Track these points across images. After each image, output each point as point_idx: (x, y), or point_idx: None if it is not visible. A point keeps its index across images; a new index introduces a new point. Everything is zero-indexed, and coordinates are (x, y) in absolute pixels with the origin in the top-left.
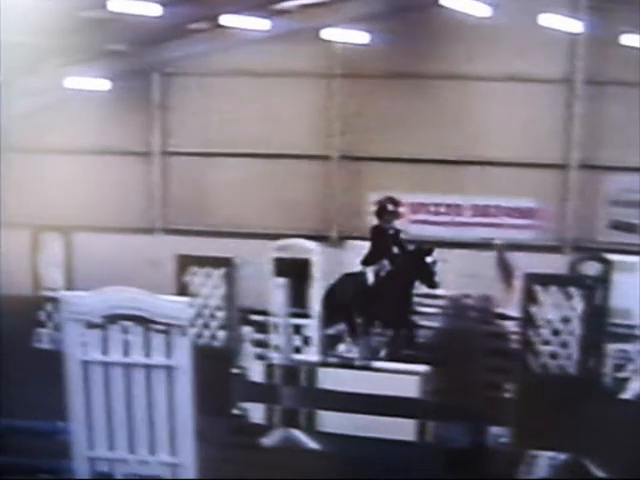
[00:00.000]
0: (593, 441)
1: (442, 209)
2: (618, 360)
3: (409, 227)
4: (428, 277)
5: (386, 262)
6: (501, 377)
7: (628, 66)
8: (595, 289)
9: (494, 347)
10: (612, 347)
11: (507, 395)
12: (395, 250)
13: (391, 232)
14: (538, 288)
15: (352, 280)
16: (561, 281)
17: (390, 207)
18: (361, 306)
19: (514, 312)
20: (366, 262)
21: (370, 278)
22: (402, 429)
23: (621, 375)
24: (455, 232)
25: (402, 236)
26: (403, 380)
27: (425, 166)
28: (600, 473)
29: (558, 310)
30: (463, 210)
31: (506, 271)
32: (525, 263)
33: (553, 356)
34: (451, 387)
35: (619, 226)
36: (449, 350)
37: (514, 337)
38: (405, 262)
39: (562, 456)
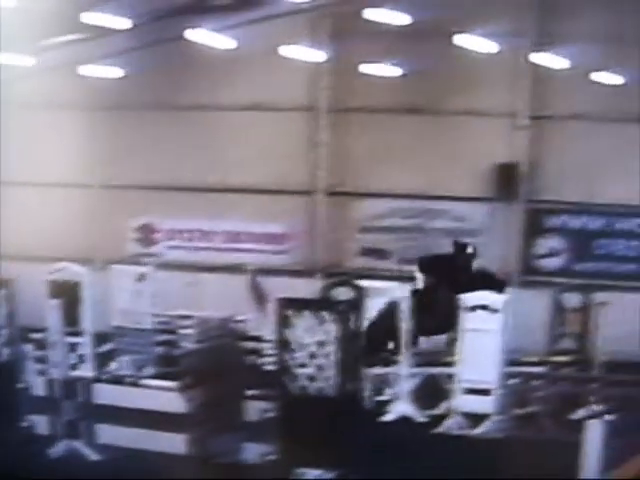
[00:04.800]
0: (356, 460)
1: (196, 235)
2: (377, 383)
3: (164, 252)
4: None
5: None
6: (261, 396)
7: (371, 94)
8: (347, 314)
9: (250, 367)
10: (370, 371)
11: (270, 414)
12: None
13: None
14: (291, 312)
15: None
16: (313, 306)
17: (469, 250)
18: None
19: (269, 335)
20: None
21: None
22: (173, 442)
23: (381, 398)
24: (208, 257)
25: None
26: (170, 396)
27: (180, 193)
28: None
29: (312, 334)
30: (216, 236)
31: (259, 295)
32: (278, 287)
33: (311, 378)
34: (209, 403)
35: (369, 252)
36: (203, 368)
37: (270, 359)
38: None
39: (328, 474)
